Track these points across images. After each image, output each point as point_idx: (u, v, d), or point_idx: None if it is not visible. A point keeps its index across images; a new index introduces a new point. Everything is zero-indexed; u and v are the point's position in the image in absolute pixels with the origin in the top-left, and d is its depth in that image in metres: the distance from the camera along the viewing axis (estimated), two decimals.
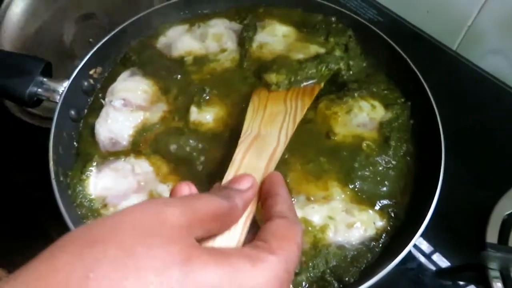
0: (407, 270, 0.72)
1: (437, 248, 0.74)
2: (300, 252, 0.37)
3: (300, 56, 0.81)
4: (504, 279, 0.69)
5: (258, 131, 0.62)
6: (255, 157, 0.53)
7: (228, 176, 0.48)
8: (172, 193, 0.38)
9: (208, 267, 0.29)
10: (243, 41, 0.86)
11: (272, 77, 0.77)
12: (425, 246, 0.75)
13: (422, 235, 0.73)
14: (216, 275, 0.29)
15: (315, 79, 0.79)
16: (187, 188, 0.38)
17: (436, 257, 0.74)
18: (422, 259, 0.73)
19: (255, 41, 0.86)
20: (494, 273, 0.69)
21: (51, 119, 0.71)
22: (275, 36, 0.87)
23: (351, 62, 0.82)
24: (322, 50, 0.82)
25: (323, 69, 0.79)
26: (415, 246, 0.74)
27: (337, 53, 0.81)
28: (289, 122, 0.66)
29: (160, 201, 0.33)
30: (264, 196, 0.43)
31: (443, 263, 0.74)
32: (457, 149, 0.81)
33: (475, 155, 0.84)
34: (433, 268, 0.73)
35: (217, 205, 0.35)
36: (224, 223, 0.36)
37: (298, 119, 0.67)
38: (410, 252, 0.73)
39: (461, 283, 0.72)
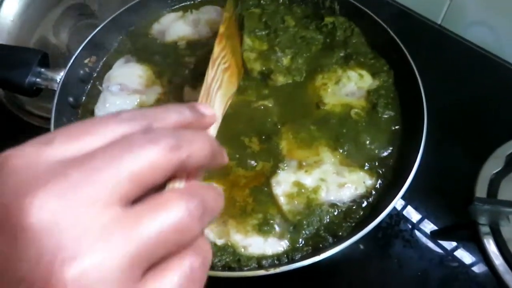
0: (401, 231, 0.74)
1: (427, 211, 0.76)
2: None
3: None
4: (495, 234, 0.71)
5: None
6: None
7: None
8: None
9: None
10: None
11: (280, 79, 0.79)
12: (414, 214, 0.76)
13: (411, 200, 0.77)
14: None
15: None
16: None
17: (425, 221, 0.76)
18: (414, 220, 0.76)
19: None
20: (484, 229, 0.71)
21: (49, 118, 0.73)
22: None
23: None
24: None
25: None
26: (405, 210, 0.77)
27: None
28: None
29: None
30: None
31: (432, 226, 0.75)
32: (446, 119, 0.84)
33: (463, 123, 0.87)
34: (425, 229, 0.75)
35: None
36: None
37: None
38: (403, 214, 0.76)
39: (454, 242, 0.74)
